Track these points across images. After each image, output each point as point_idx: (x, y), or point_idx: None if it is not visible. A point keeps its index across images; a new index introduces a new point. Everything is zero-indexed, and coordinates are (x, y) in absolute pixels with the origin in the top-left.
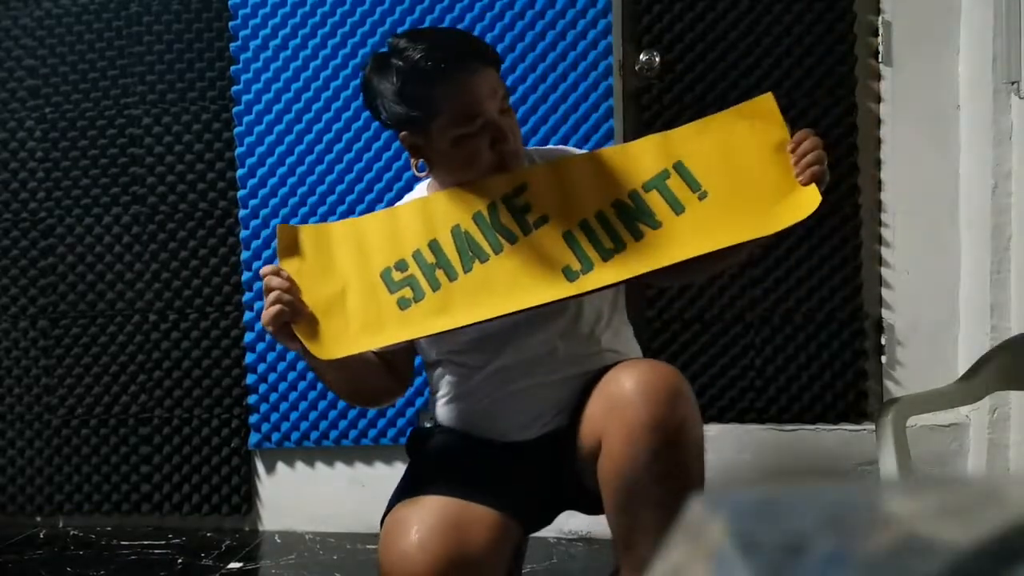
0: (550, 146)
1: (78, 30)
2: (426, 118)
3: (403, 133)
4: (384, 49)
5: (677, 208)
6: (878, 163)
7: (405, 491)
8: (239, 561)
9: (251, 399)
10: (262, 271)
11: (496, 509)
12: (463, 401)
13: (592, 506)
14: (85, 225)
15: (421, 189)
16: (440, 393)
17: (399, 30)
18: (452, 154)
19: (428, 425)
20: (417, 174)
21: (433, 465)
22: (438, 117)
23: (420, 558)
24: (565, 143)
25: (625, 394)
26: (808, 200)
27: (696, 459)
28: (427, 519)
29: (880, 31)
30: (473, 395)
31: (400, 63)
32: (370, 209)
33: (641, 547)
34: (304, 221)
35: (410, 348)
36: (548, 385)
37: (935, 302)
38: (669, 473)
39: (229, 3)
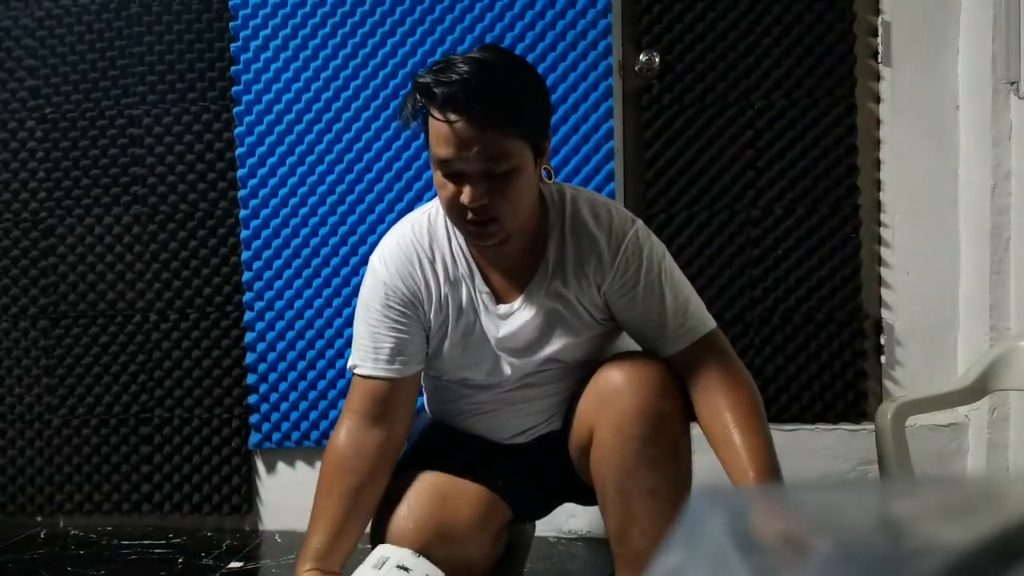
0: (597, 197)
1: (78, 30)
2: (424, 135)
3: None
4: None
5: None
6: (878, 163)
7: (400, 463)
8: (239, 561)
9: (251, 399)
10: None
11: (484, 485)
12: (456, 414)
13: (589, 497)
14: (85, 225)
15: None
16: (435, 399)
17: (399, 31)
18: (438, 187)
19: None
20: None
21: (429, 441)
22: (429, 141)
23: (407, 525)
24: (565, 143)
25: (613, 386)
26: None
27: (684, 448)
28: (416, 488)
29: (880, 31)
30: (465, 412)
31: (419, 83)
32: (370, 210)
33: (635, 539)
34: (304, 221)
35: (411, 409)
36: (542, 398)
37: (935, 302)
38: (659, 460)
39: (229, 3)
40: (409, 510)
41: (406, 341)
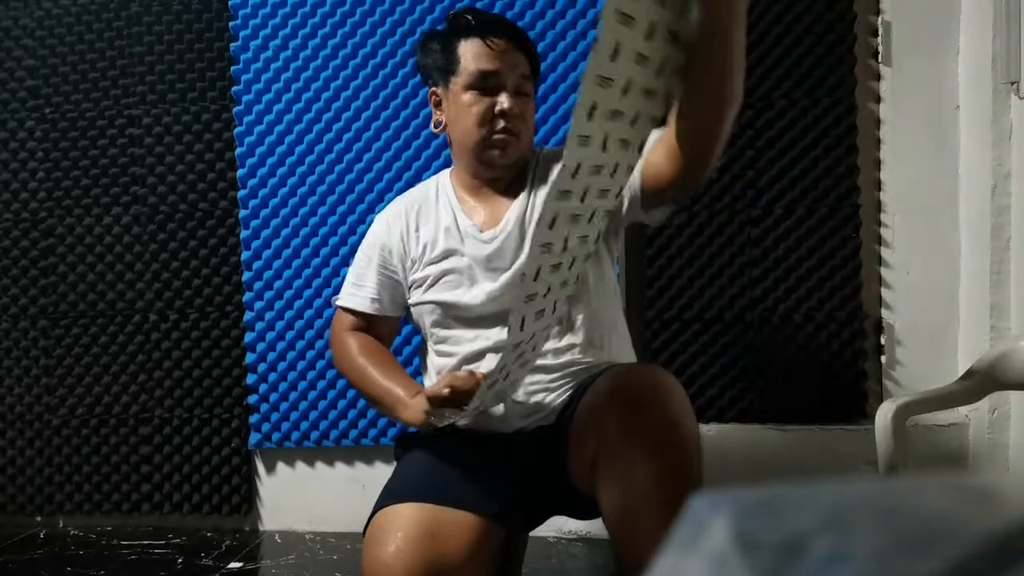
0: (558, 147)
1: (78, 30)
2: (449, 67)
3: (432, 89)
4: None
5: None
6: (878, 163)
7: (385, 498)
8: (239, 561)
9: (251, 399)
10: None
11: (474, 513)
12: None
13: (584, 511)
14: (85, 225)
15: (444, 177)
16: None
17: (399, 31)
18: (463, 111)
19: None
20: (434, 130)
21: (414, 471)
22: (459, 67)
23: (397, 567)
24: (565, 143)
25: (620, 398)
26: None
27: (694, 460)
28: (404, 527)
29: (880, 31)
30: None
31: (451, 19)
32: (370, 209)
33: (642, 552)
34: (304, 221)
35: (392, 324)
36: (532, 371)
37: (935, 302)
38: (667, 475)
39: (229, 3)
40: (397, 550)
41: (386, 284)
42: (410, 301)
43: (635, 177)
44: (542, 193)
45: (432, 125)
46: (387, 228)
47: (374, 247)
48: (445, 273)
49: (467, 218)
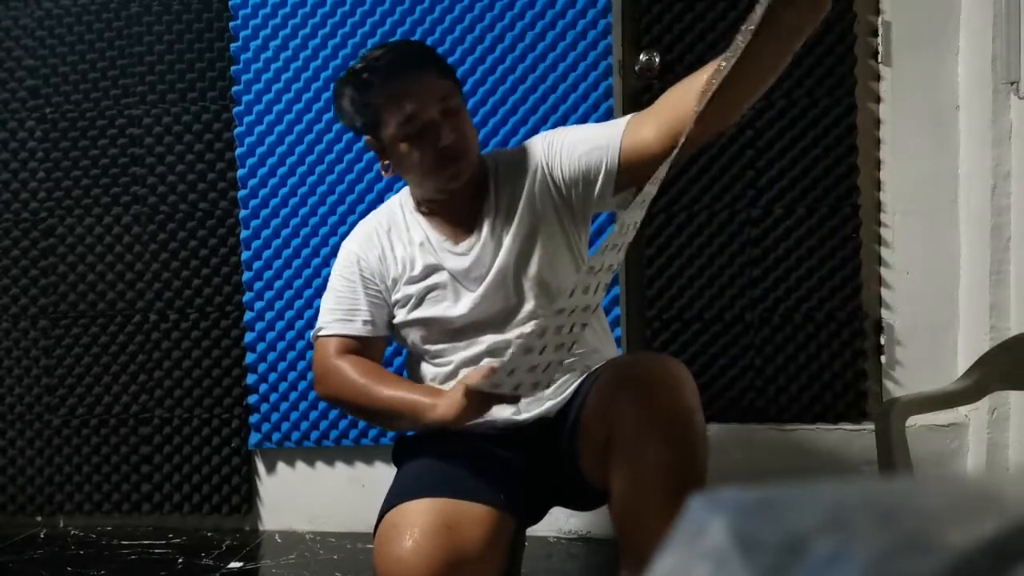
0: (512, 148)
1: (78, 30)
2: (374, 123)
3: (367, 138)
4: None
5: None
6: (878, 163)
7: (396, 497)
8: (239, 561)
9: (251, 399)
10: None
11: (488, 504)
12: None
13: (585, 502)
14: (85, 225)
15: (405, 196)
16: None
17: (400, 31)
18: (405, 161)
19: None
20: (384, 174)
21: (421, 467)
22: (382, 121)
23: (416, 562)
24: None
25: (634, 387)
26: None
27: (702, 449)
28: (419, 522)
29: (880, 31)
30: (450, 381)
31: (350, 77)
32: (370, 209)
33: (646, 543)
34: (304, 221)
35: (383, 346)
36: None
37: (935, 302)
38: (679, 463)
39: (229, 3)
40: (416, 545)
41: (372, 304)
42: (395, 321)
43: (611, 159)
44: (508, 198)
45: (382, 170)
46: (363, 251)
47: (354, 272)
48: (429, 290)
49: (438, 233)
